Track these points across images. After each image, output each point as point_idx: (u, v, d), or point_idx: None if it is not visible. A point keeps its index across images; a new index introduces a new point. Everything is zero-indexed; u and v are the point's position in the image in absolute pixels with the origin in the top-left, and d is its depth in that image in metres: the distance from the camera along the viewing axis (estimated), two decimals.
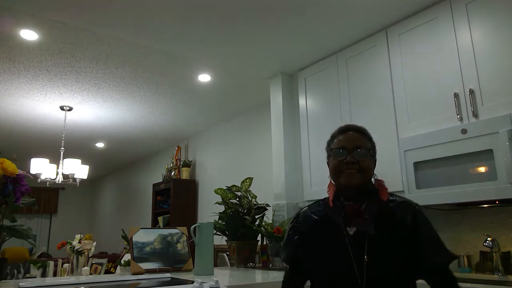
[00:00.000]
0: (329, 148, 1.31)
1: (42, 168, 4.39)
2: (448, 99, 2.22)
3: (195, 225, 2.10)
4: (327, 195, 1.30)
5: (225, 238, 2.78)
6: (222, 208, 2.84)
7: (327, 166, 1.30)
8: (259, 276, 2.00)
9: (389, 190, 1.29)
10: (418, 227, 1.17)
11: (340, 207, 1.23)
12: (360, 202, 1.20)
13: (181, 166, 5.86)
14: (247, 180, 2.92)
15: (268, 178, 3.96)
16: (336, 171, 1.24)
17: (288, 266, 1.38)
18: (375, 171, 1.28)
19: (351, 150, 1.22)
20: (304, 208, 1.36)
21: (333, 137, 1.32)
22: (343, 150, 1.23)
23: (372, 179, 1.26)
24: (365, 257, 1.14)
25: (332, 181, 1.28)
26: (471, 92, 2.11)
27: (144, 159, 7.54)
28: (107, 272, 4.00)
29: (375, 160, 1.29)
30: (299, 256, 1.30)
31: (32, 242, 1.83)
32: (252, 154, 4.75)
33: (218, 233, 2.75)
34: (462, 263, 2.24)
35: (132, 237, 2.14)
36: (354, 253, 1.15)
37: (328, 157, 1.30)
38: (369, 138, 1.30)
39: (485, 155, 1.95)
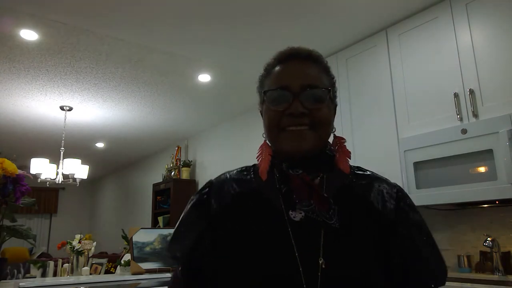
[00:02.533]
0: (261, 89, 0.82)
1: (42, 168, 4.39)
2: (448, 99, 2.22)
3: None
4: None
5: None
6: None
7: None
8: None
9: None
10: (404, 221, 0.75)
11: (280, 179, 0.76)
12: (313, 171, 0.75)
13: (181, 166, 5.85)
14: None
15: None
16: (274, 129, 0.76)
17: (180, 270, 0.82)
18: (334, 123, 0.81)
19: (298, 91, 0.74)
20: (222, 175, 0.85)
21: (268, 69, 0.83)
22: (284, 92, 0.75)
23: (331, 136, 0.80)
24: (320, 259, 0.68)
25: (268, 143, 0.80)
26: (471, 92, 2.11)
27: (144, 159, 7.54)
28: (107, 272, 4.00)
29: (335, 106, 0.82)
30: (201, 257, 0.77)
31: (32, 242, 1.83)
32: (252, 154, 4.69)
33: None
34: (462, 263, 2.24)
35: (132, 237, 2.14)
36: (300, 252, 0.69)
37: (261, 103, 0.82)
38: (326, 69, 0.81)
39: (485, 155, 1.95)
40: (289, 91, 0.74)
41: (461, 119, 2.14)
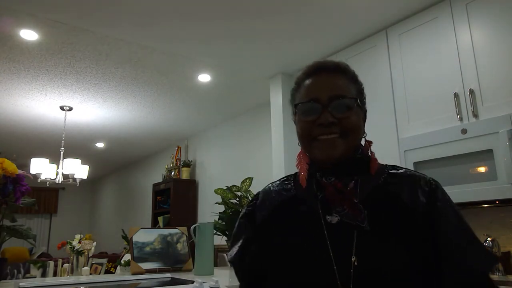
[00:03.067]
0: (293, 102, 0.86)
1: (42, 168, 4.39)
2: (448, 99, 2.22)
3: (195, 225, 2.10)
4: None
5: (225, 238, 2.78)
6: (222, 208, 2.84)
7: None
8: None
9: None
10: (438, 214, 0.75)
11: (316, 186, 0.80)
12: (346, 178, 0.78)
13: (181, 166, 5.86)
14: (247, 180, 2.92)
15: (268, 178, 3.94)
16: (306, 138, 0.81)
17: (235, 271, 0.91)
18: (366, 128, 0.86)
19: (327, 102, 0.78)
20: (267, 186, 0.93)
21: (298, 83, 0.87)
22: (314, 103, 0.79)
23: (363, 140, 0.84)
24: (353, 258, 0.72)
25: (303, 150, 0.85)
26: (471, 92, 2.11)
27: (144, 159, 7.54)
28: (107, 272, 4.00)
29: (365, 112, 0.88)
30: (250, 261, 0.85)
31: (32, 242, 1.83)
32: (252, 154, 4.74)
33: (218, 233, 2.75)
34: None
35: (132, 237, 2.14)
36: (335, 253, 0.74)
37: (294, 113, 0.86)
38: (353, 78, 0.85)
39: (485, 155, 1.95)
40: (318, 102, 0.79)
41: (461, 119, 2.14)
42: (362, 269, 0.71)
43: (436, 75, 2.31)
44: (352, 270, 0.71)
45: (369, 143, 0.85)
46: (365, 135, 0.85)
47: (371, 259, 0.72)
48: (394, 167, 0.85)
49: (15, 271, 3.80)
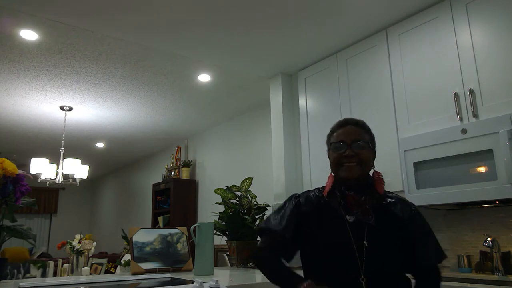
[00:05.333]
0: (329, 142, 1.35)
1: (42, 168, 4.39)
2: (448, 99, 2.22)
3: (195, 225, 2.10)
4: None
5: (225, 238, 2.78)
6: (222, 208, 2.84)
7: (328, 161, 1.35)
8: (259, 276, 2.00)
9: (389, 190, 1.36)
10: (416, 225, 1.27)
11: (340, 196, 1.28)
12: (360, 193, 1.25)
13: (181, 166, 5.86)
14: (247, 180, 2.92)
15: (268, 178, 3.95)
16: (336, 165, 1.28)
17: (277, 237, 1.34)
18: (375, 163, 1.33)
19: (350, 143, 1.26)
20: (305, 192, 1.39)
21: (332, 131, 1.36)
22: (342, 143, 1.27)
23: (372, 170, 1.31)
24: (365, 242, 1.20)
25: (333, 174, 1.32)
26: (471, 92, 2.11)
27: (144, 159, 7.54)
28: (107, 272, 4.00)
29: (375, 152, 1.34)
30: (298, 230, 1.31)
31: (32, 242, 1.83)
32: (252, 154, 4.75)
33: (218, 233, 2.75)
34: (462, 263, 2.24)
35: (132, 237, 2.14)
36: (354, 238, 1.21)
37: (328, 150, 1.35)
38: (368, 131, 1.33)
39: (485, 155, 1.95)
40: (345, 143, 1.27)
41: (461, 119, 2.14)
42: (371, 248, 1.20)
43: (436, 75, 2.31)
44: (364, 249, 1.20)
45: (377, 173, 1.31)
46: (374, 167, 1.31)
47: (376, 245, 1.21)
48: (389, 192, 1.35)
49: (15, 271, 3.80)
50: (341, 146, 1.27)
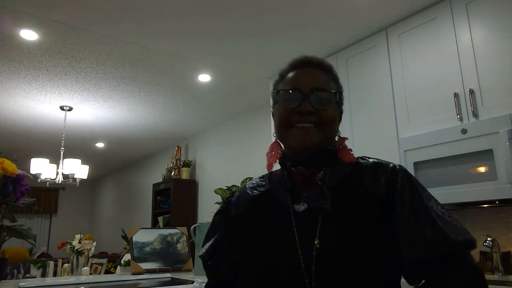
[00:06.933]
0: (275, 91, 0.89)
1: (42, 168, 4.39)
2: (448, 99, 2.22)
3: (195, 225, 2.10)
4: None
5: None
6: None
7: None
8: None
9: None
10: (397, 195, 0.77)
11: (287, 177, 0.84)
12: (315, 168, 0.81)
13: (181, 166, 5.85)
14: (247, 180, 2.92)
15: None
16: (283, 125, 0.83)
17: (209, 268, 0.94)
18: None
19: (308, 93, 0.81)
20: (244, 186, 0.97)
21: (282, 74, 0.90)
22: (295, 92, 0.82)
23: (336, 137, 0.87)
24: (316, 241, 0.74)
25: (278, 140, 0.88)
26: (471, 92, 2.11)
27: (144, 159, 7.54)
28: (107, 272, 4.00)
29: (341, 111, 0.91)
30: (223, 254, 0.90)
31: (32, 242, 1.83)
32: (252, 154, 4.74)
33: None
34: None
35: (132, 237, 2.14)
36: (300, 237, 0.77)
37: (274, 104, 0.89)
38: (335, 78, 0.90)
39: (485, 155, 1.95)
40: (299, 92, 0.82)
41: (461, 119, 2.14)
42: (324, 250, 0.74)
43: (436, 75, 2.31)
44: (314, 252, 0.74)
45: (343, 139, 0.87)
46: (339, 132, 0.88)
47: (332, 243, 0.74)
48: (363, 157, 0.89)
49: (15, 271, 3.80)
50: (293, 96, 0.82)
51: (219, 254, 0.90)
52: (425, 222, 0.74)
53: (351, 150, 0.86)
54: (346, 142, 0.88)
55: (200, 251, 0.94)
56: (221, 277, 0.91)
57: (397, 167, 0.83)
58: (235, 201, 0.93)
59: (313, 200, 0.79)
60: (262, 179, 0.94)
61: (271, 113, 0.92)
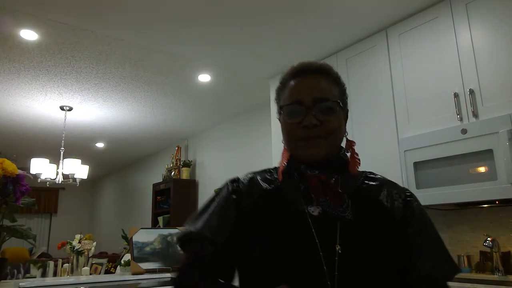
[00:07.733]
0: (279, 102, 0.89)
1: (42, 168, 4.39)
2: (448, 99, 2.22)
3: None
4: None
5: None
6: None
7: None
8: None
9: None
10: (413, 220, 0.82)
11: (299, 178, 0.83)
12: (329, 172, 0.81)
13: (181, 166, 5.85)
14: None
15: None
16: (291, 139, 0.84)
17: (205, 247, 0.83)
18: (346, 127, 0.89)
19: (311, 105, 0.81)
20: (248, 174, 0.92)
21: (283, 83, 0.89)
22: (298, 106, 0.81)
23: (344, 139, 0.87)
24: (337, 246, 0.76)
25: (287, 149, 0.87)
26: (471, 92, 2.11)
27: (144, 159, 7.54)
28: (107, 272, 4.00)
29: (347, 112, 0.90)
30: (237, 234, 0.82)
31: (32, 242, 1.83)
32: (252, 154, 4.74)
33: None
34: (462, 263, 2.24)
35: (132, 237, 2.14)
36: (320, 241, 0.76)
37: (279, 113, 0.88)
38: (336, 80, 0.89)
39: (485, 155, 1.95)
40: (302, 105, 0.81)
41: (461, 119, 2.14)
42: (346, 256, 0.75)
43: (436, 75, 2.31)
44: (336, 258, 0.75)
45: (351, 143, 0.87)
46: (346, 134, 0.87)
47: (353, 250, 0.76)
48: (371, 173, 0.91)
49: (15, 271, 3.80)
50: (297, 109, 0.81)
51: (224, 234, 0.82)
52: (440, 251, 0.83)
53: (358, 155, 0.87)
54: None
55: (193, 226, 0.85)
56: (220, 262, 0.83)
57: (409, 193, 0.86)
58: (247, 188, 0.87)
59: (330, 206, 0.80)
60: (269, 174, 0.91)
61: (276, 118, 0.92)
